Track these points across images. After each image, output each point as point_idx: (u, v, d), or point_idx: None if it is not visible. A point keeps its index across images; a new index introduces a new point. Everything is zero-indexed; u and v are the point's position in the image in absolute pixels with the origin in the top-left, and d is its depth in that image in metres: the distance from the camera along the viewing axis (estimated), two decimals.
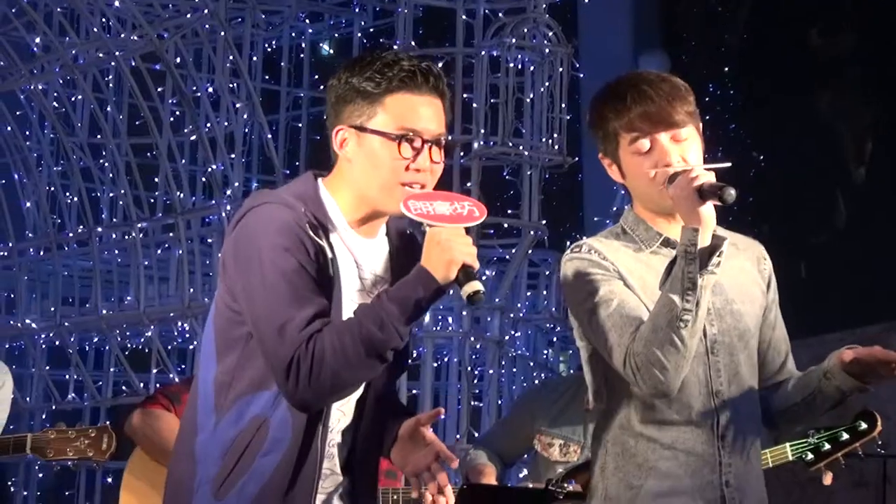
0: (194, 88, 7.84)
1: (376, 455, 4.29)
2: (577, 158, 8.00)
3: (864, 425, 5.30)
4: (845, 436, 5.31)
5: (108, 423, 7.42)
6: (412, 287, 3.93)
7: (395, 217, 4.20)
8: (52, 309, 8.11)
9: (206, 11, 7.46)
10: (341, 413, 4.21)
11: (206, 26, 7.63)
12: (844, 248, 8.58)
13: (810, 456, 5.52)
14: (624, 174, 4.39)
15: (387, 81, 4.12)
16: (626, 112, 4.30)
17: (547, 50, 7.57)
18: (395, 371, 4.36)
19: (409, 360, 4.72)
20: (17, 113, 8.11)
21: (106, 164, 8.12)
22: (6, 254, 8.29)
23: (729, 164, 4.21)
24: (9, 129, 8.12)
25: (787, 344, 4.58)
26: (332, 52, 9.81)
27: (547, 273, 8.01)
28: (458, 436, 7.47)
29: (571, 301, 4.40)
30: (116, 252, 8.15)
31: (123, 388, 7.99)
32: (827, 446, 5.46)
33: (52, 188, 8.30)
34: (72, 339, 8.06)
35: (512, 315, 7.70)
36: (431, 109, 4.20)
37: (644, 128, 4.28)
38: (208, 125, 7.87)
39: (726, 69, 8.51)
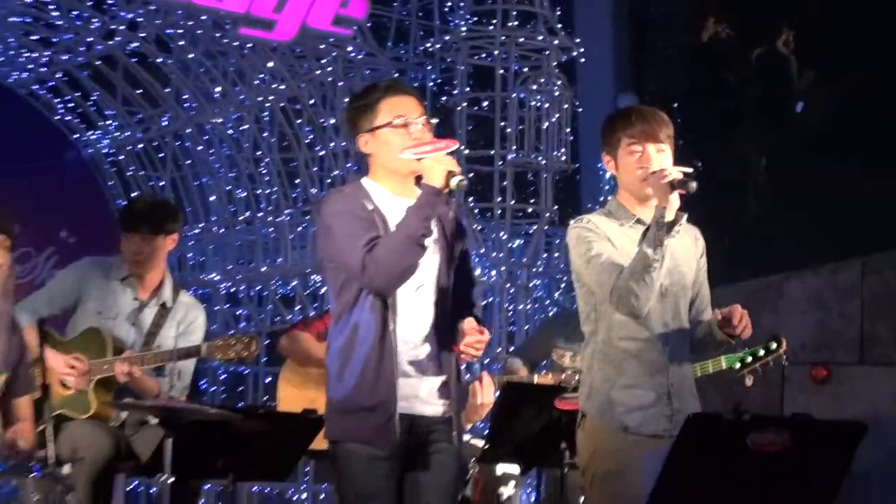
0: (322, 120, 8.08)
1: (451, 345, 4.44)
2: (576, 165, 8.31)
3: (774, 345, 5.53)
4: (762, 352, 5.54)
5: (266, 342, 7.59)
6: (422, 196, 4.21)
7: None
8: (230, 267, 8.45)
9: (329, 69, 7.78)
10: (414, 322, 4.38)
11: (330, 79, 7.90)
12: (756, 229, 9.01)
13: (738, 365, 5.73)
14: (617, 167, 4.61)
15: (379, 92, 4.42)
16: (631, 126, 4.55)
17: (556, 93, 7.88)
18: (463, 283, 4.56)
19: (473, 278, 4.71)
20: (205, 137, 8.44)
21: (264, 171, 8.40)
22: (199, 231, 8.63)
23: (691, 169, 4.41)
24: (199, 148, 8.45)
25: (708, 296, 4.75)
26: None
27: (557, 242, 8.20)
28: (499, 349, 7.69)
29: (575, 254, 4.56)
30: (272, 229, 8.38)
31: (277, 319, 8.22)
32: (749, 359, 5.68)
33: (229, 188, 8.59)
34: (242, 288, 8.45)
35: (534, 269, 8.00)
36: (413, 101, 4.44)
37: (639, 138, 4.53)
38: (332, 143, 8.09)
39: (675, 105, 8.79)
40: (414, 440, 4.37)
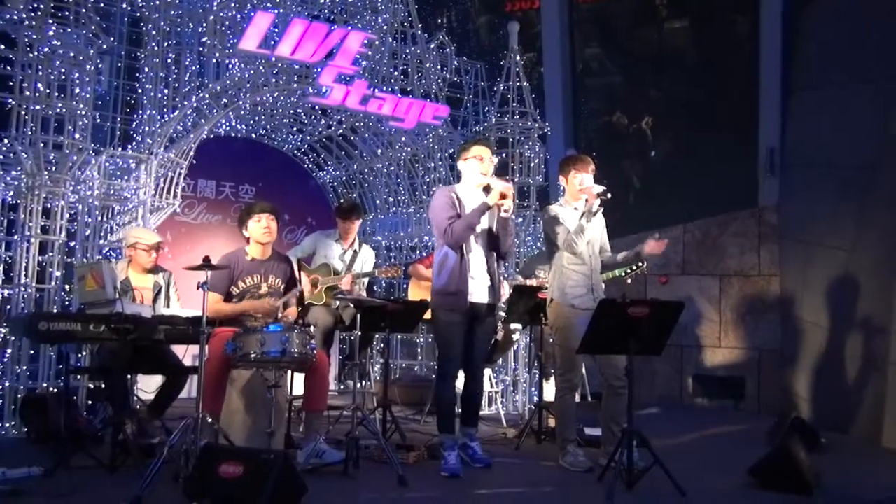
0: (429, 164, 7.58)
1: (492, 269, 4.24)
2: (546, 183, 7.84)
3: (641, 265, 5.16)
4: (635, 268, 5.22)
5: (403, 268, 6.99)
6: (479, 206, 4.08)
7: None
8: (385, 233, 7.88)
9: (430, 138, 7.30)
10: (478, 253, 4.22)
11: (430, 144, 7.42)
12: (634, 209, 8.53)
13: (624, 274, 5.39)
14: (567, 183, 4.43)
15: (473, 142, 4.26)
16: (576, 164, 4.39)
17: (537, 149, 7.51)
18: (500, 237, 4.28)
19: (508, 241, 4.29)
20: (374, 173, 7.89)
21: (400, 187, 7.78)
22: (372, 216, 8.02)
23: (604, 188, 4.26)
24: (372, 178, 7.86)
25: (607, 243, 4.58)
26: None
27: (537, 218, 7.39)
28: (512, 269, 7.22)
29: (549, 225, 4.42)
30: (405, 215, 7.65)
31: (408, 258, 7.74)
32: (629, 271, 5.38)
33: (384, 196, 7.81)
34: (392, 243, 7.86)
35: (528, 231, 7.54)
36: (488, 150, 4.24)
37: (580, 170, 4.38)
38: (432, 174, 7.51)
39: (594, 154, 8.25)
40: (473, 314, 4.26)
